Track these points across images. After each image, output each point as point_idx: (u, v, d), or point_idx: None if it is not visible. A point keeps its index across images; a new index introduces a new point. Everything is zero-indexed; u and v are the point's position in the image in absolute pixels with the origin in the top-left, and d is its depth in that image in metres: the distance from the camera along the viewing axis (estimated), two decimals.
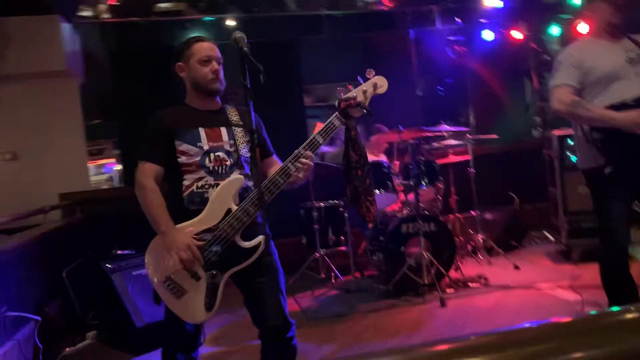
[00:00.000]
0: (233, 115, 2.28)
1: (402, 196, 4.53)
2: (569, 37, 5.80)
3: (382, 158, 5.13)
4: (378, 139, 5.13)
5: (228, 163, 2.19)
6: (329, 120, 2.14)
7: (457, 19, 6.04)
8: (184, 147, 2.15)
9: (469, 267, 4.63)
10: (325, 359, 3.18)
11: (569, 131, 4.80)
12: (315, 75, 6.34)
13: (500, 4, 5.66)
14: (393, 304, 4.00)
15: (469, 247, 5.04)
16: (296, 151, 2.13)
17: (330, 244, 4.79)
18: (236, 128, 2.23)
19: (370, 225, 2.52)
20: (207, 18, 5.60)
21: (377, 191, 4.39)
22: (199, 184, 2.14)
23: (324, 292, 4.47)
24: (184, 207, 2.13)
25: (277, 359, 2.20)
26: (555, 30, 5.80)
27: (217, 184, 2.14)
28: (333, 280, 4.65)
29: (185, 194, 2.15)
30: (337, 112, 2.14)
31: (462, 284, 4.23)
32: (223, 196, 2.11)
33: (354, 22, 5.93)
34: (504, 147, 5.76)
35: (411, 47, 6.33)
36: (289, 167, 2.10)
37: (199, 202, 2.13)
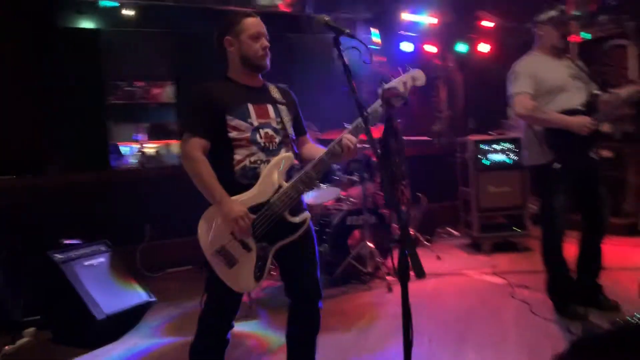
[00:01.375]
0: (275, 92, 2.35)
1: (346, 190, 4.77)
2: (473, 54, 6.53)
3: None
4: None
5: (277, 140, 2.26)
6: (373, 106, 2.25)
7: (373, 30, 6.45)
8: (235, 122, 2.18)
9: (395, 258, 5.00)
10: None
11: (483, 137, 5.45)
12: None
13: (418, 19, 6.18)
14: (342, 291, 4.22)
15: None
16: (342, 134, 2.21)
17: None
18: (280, 105, 2.31)
19: (403, 208, 2.62)
20: None
21: (322, 185, 4.60)
22: (252, 159, 2.20)
23: (270, 283, 4.54)
24: (235, 180, 2.17)
25: (308, 324, 2.35)
26: (462, 47, 6.47)
27: (268, 161, 2.21)
28: (274, 272, 4.73)
29: (237, 168, 2.18)
30: (380, 100, 2.30)
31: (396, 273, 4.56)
32: (274, 172, 2.19)
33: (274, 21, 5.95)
34: (416, 149, 6.23)
35: (332, 52, 6.59)
36: (334, 147, 2.18)
37: (252, 176, 2.19)
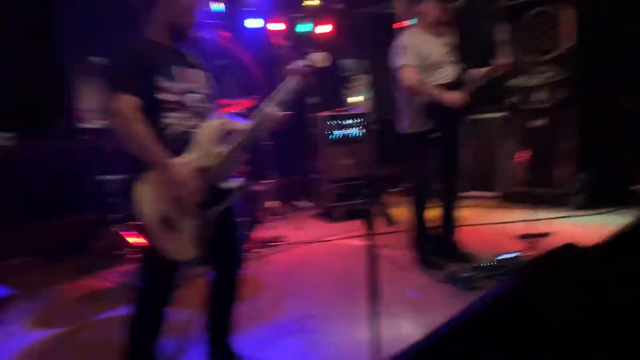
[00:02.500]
0: (192, 57, 2.25)
1: None
2: (313, 34, 6.81)
3: None
4: None
5: (205, 105, 2.21)
6: (292, 81, 2.31)
7: (216, 4, 6.34)
8: (165, 84, 2.06)
9: (260, 230, 5.10)
10: None
11: (332, 112, 5.76)
12: None
13: None
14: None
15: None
16: (267, 104, 2.25)
17: (125, 219, 4.58)
18: (201, 70, 2.24)
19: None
20: None
21: None
22: (185, 122, 2.11)
23: (130, 267, 4.28)
24: (169, 146, 2.04)
25: (233, 293, 2.38)
26: (304, 27, 6.70)
27: (200, 125, 2.14)
28: (130, 256, 4.47)
29: (169, 131, 2.07)
30: (301, 76, 2.34)
31: (267, 244, 4.67)
32: (211, 137, 2.14)
33: None
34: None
35: None
36: (264, 117, 2.22)
37: (187, 141, 2.10)
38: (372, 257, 1.71)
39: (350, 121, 5.69)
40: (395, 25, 6.75)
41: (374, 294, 1.74)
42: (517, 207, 5.51)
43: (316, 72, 2.32)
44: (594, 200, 5.23)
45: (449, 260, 3.75)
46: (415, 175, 3.72)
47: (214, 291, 2.37)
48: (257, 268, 4.09)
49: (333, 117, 5.67)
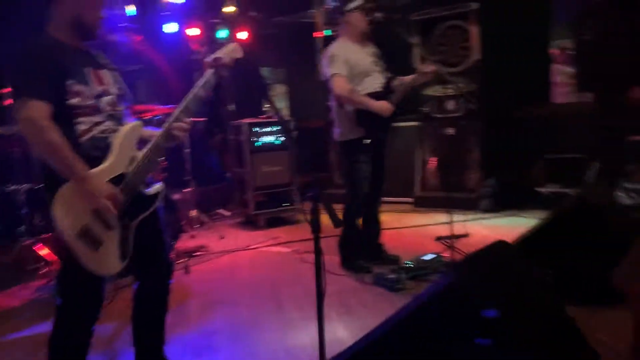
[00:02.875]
0: (101, 57, 2.15)
1: None
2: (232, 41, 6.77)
3: None
4: None
5: (120, 108, 2.11)
6: (207, 75, 2.24)
7: (129, 7, 6.15)
8: (77, 87, 1.94)
9: (183, 241, 4.97)
10: None
11: (255, 120, 5.75)
12: None
13: (182, 0, 6.12)
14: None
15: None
16: (181, 107, 2.17)
17: (36, 231, 4.29)
18: (113, 71, 2.14)
19: (228, 175, 2.46)
20: None
21: None
22: (100, 128, 2.00)
23: (44, 282, 4.01)
24: (84, 152, 1.92)
25: (162, 303, 2.30)
26: (223, 33, 6.64)
27: (117, 130, 2.05)
28: (43, 271, 4.18)
29: (84, 138, 1.96)
30: (212, 70, 2.31)
31: (190, 254, 4.56)
32: (127, 142, 2.05)
33: None
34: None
35: None
36: (170, 129, 2.13)
37: (103, 147, 1.99)
38: (319, 262, 1.73)
39: (273, 128, 5.70)
40: (315, 34, 6.89)
41: (319, 299, 1.75)
42: (430, 211, 5.81)
43: (229, 64, 2.30)
44: (501, 203, 5.61)
45: (374, 263, 3.86)
46: (347, 181, 3.80)
47: (142, 302, 2.27)
48: (182, 278, 3.98)
49: (257, 125, 5.66)
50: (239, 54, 2.41)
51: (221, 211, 6.35)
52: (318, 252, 1.74)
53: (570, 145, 5.63)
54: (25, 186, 4.22)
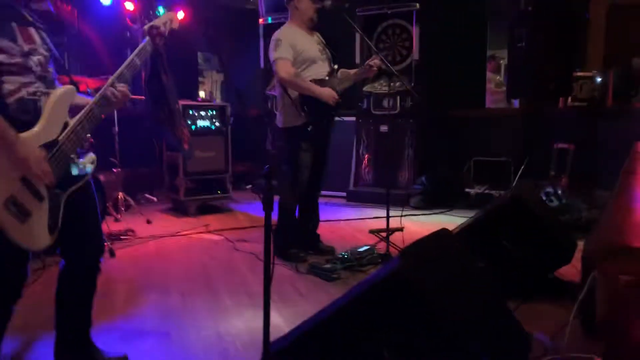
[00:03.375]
0: (28, 15, 1.96)
1: None
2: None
3: None
4: None
5: (50, 70, 1.95)
6: (142, 44, 2.14)
7: None
8: (5, 43, 1.77)
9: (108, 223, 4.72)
10: None
11: (191, 102, 5.57)
12: None
13: None
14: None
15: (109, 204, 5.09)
16: (111, 77, 2.05)
17: None
18: (42, 31, 1.96)
19: (186, 147, 2.29)
20: None
21: None
22: (30, 90, 1.84)
23: None
24: (10, 115, 1.75)
25: (90, 284, 2.16)
26: (160, 11, 6.37)
27: (48, 93, 1.89)
28: None
29: (11, 99, 1.78)
30: (148, 38, 2.19)
31: (115, 238, 4.34)
32: (60, 107, 1.89)
33: None
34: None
35: None
36: (105, 92, 2.02)
37: (32, 111, 1.83)
38: (269, 240, 1.68)
39: (208, 113, 5.54)
40: (260, 22, 6.78)
41: (267, 281, 1.70)
42: (362, 206, 5.88)
43: (164, 33, 2.20)
44: (431, 201, 5.77)
45: (309, 253, 3.84)
46: (287, 168, 3.74)
47: (68, 281, 2.11)
48: (107, 262, 3.77)
49: (192, 108, 5.48)
50: (175, 25, 2.31)
51: (148, 196, 6.11)
52: (269, 228, 1.67)
53: (498, 149, 5.88)
54: None
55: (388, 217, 3.70)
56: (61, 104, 1.91)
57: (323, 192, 6.23)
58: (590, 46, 5.70)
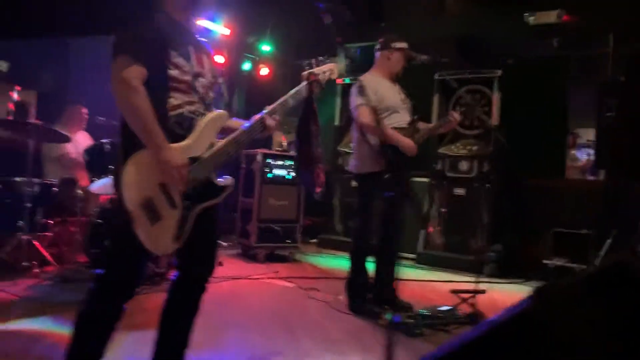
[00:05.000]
0: (202, 42, 2.10)
1: None
2: (255, 74, 6.82)
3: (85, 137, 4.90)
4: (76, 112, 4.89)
5: (211, 95, 2.07)
6: (299, 87, 2.24)
7: None
8: (178, 60, 1.89)
9: None
10: None
11: (270, 151, 5.70)
12: None
13: (211, 27, 6.18)
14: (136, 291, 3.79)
15: None
16: (270, 108, 2.15)
17: (37, 228, 4.08)
18: (209, 57, 2.09)
19: (318, 191, 2.34)
20: None
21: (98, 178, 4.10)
22: (191, 108, 1.95)
23: (36, 281, 3.78)
24: (168, 127, 1.85)
25: (196, 301, 2.16)
26: (247, 66, 6.69)
27: (204, 114, 1.99)
28: (37, 270, 3.94)
29: (172, 113, 1.89)
30: (306, 83, 2.27)
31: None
32: (210, 128, 1.98)
33: None
34: None
35: None
36: (264, 118, 2.11)
37: (187, 127, 1.93)
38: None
39: (284, 162, 5.64)
40: (338, 81, 6.98)
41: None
42: (432, 269, 5.71)
43: (321, 82, 2.28)
44: (506, 270, 5.54)
45: (385, 308, 3.71)
46: (360, 216, 3.70)
47: (178, 294, 2.13)
48: None
49: (269, 157, 5.59)
50: (334, 76, 2.41)
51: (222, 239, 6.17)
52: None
53: (576, 222, 5.64)
54: (35, 180, 4.05)
55: (475, 282, 3.56)
56: (212, 125, 1.99)
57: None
58: None
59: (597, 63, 5.79)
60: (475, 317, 3.41)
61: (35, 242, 3.99)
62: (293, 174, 5.64)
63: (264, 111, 2.15)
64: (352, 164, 3.80)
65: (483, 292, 3.80)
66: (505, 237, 5.79)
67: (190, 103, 1.95)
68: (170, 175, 1.84)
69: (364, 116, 3.53)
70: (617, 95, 4.79)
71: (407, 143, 3.55)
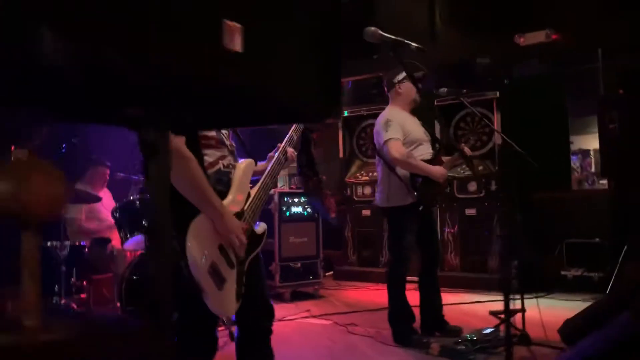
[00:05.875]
0: None
1: None
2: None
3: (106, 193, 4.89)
4: (100, 172, 4.90)
5: (233, 144, 2.14)
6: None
7: None
8: None
9: None
10: None
11: (286, 189, 5.75)
12: None
13: None
14: None
15: None
16: (281, 145, 2.29)
17: (72, 291, 4.06)
18: None
19: (333, 215, 2.39)
20: None
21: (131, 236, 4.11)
22: (225, 162, 2.01)
23: None
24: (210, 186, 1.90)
25: (267, 346, 2.20)
26: None
27: (235, 165, 2.05)
28: None
29: (210, 171, 1.94)
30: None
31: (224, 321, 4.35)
32: (245, 179, 2.05)
33: None
34: None
35: None
36: (280, 158, 2.23)
37: (226, 182, 1.99)
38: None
39: (301, 199, 5.70)
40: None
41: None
42: (450, 290, 5.78)
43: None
44: (526, 285, 5.63)
45: (434, 335, 3.77)
46: (394, 249, 3.78)
47: (248, 349, 2.16)
48: (229, 346, 3.77)
49: (286, 195, 5.65)
50: None
51: None
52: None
53: (588, 231, 5.81)
54: (65, 243, 4.04)
55: (512, 300, 3.63)
56: (245, 176, 2.07)
57: (408, 278, 6.23)
58: None
59: (589, 77, 6.05)
60: (524, 338, 3.48)
61: (73, 305, 3.96)
62: (310, 210, 5.70)
63: (278, 148, 2.25)
64: (379, 198, 3.87)
65: (522, 310, 3.89)
66: (520, 252, 5.91)
67: (223, 157, 2.00)
68: (233, 242, 1.87)
69: (395, 150, 3.59)
70: (617, 108, 5.01)
71: (437, 170, 3.65)
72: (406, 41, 2.70)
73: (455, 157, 3.92)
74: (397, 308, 3.78)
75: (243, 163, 2.08)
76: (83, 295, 4.14)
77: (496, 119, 6.10)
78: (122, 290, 4.08)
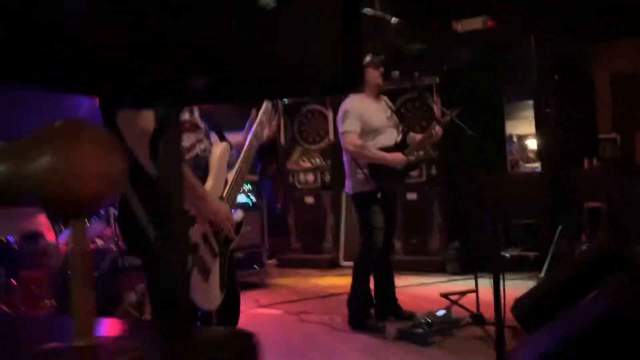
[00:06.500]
0: None
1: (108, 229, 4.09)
2: None
3: None
4: None
5: (206, 126, 1.98)
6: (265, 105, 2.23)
7: None
8: None
9: None
10: None
11: None
12: None
13: None
14: None
15: None
16: (256, 122, 2.13)
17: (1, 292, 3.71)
18: None
19: (279, 205, 2.18)
20: None
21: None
22: (201, 147, 1.86)
23: None
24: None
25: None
26: None
27: (210, 149, 1.91)
28: None
29: (188, 156, 1.79)
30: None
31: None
32: (222, 164, 1.92)
33: None
34: None
35: None
36: (257, 130, 2.10)
37: (204, 168, 1.84)
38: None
39: (245, 187, 5.54)
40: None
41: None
42: (397, 274, 5.84)
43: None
44: (468, 266, 5.80)
45: (388, 320, 3.77)
46: (363, 233, 3.74)
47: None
48: None
49: None
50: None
51: None
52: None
53: (525, 212, 6.04)
54: None
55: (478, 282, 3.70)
56: (222, 160, 1.93)
57: (347, 263, 6.24)
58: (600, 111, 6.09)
59: (523, 64, 6.25)
60: (479, 318, 3.55)
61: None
62: (254, 198, 5.56)
63: (252, 130, 2.11)
64: (347, 185, 3.84)
65: (474, 291, 3.97)
66: (461, 235, 6.07)
67: (200, 141, 1.86)
68: (223, 223, 1.76)
69: (349, 143, 3.62)
70: (552, 93, 5.21)
71: (393, 158, 3.64)
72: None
73: (426, 136, 3.90)
74: (360, 292, 3.75)
75: (219, 148, 1.93)
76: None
77: (436, 105, 6.18)
78: (57, 286, 3.79)
